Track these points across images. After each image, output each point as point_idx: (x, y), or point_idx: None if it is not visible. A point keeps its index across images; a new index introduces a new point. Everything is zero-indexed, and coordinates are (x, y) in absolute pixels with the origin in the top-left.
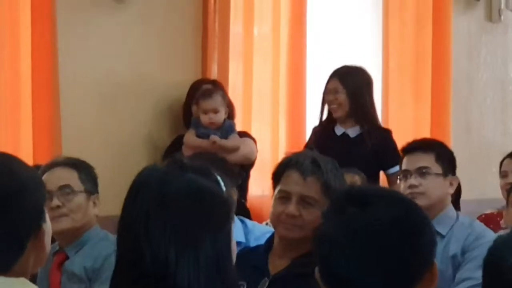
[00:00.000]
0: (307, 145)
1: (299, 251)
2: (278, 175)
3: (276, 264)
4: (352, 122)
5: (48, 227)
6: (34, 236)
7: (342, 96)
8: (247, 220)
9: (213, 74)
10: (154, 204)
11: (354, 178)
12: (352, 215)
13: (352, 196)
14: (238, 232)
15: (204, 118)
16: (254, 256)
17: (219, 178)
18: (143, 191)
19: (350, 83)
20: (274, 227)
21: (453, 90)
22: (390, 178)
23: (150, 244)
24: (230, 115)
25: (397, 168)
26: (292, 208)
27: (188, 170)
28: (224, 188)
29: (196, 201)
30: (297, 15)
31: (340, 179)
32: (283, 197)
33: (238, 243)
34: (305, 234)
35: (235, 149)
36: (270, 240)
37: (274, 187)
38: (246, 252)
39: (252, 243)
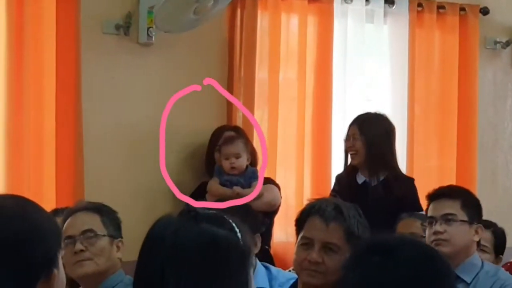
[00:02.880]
0: (332, 193)
1: None
2: (301, 222)
3: None
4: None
5: (61, 273)
6: (45, 281)
7: (359, 144)
8: (271, 267)
9: (239, 120)
10: (168, 257)
11: (416, 223)
12: (375, 264)
13: (375, 246)
14: (262, 278)
15: (226, 164)
16: None
17: (234, 225)
18: (157, 245)
19: (368, 131)
20: (297, 274)
21: (478, 138)
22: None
23: None
24: (253, 162)
25: None
26: (314, 255)
27: (202, 220)
28: (239, 235)
29: (210, 252)
30: (323, 61)
31: (363, 225)
32: (306, 244)
33: None
34: (327, 281)
35: (257, 198)
36: (294, 286)
37: (298, 233)
38: None
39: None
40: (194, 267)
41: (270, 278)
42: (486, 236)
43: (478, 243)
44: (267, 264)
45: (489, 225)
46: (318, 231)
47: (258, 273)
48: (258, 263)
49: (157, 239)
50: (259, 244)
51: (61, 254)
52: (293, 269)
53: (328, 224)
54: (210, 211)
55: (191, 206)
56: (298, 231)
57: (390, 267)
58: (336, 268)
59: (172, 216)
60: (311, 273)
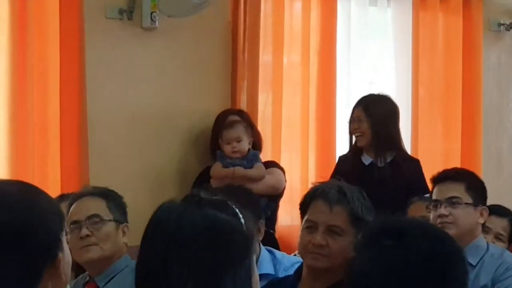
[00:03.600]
0: (333, 175)
1: (327, 281)
2: (305, 205)
3: None
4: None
5: (67, 256)
6: (51, 265)
7: (365, 125)
8: (276, 251)
9: (243, 103)
10: (172, 243)
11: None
12: (387, 248)
13: (386, 229)
14: (267, 263)
15: (227, 148)
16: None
17: (237, 211)
18: (160, 230)
19: (373, 112)
20: (302, 257)
21: (483, 120)
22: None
23: (169, 285)
24: (257, 145)
25: None
26: (318, 237)
27: (205, 205)
28: (243, 221)
29: (213, 238)
30: (326, 44)
31: (367, 208)
32: (310, 227)
33: (267, 275)
34: (332, 264)
35: (259, 178)
36: (299, 270)
37: (302, 217)
38: (275, 283)
39: (281, 274)
40: (198, 252)
41: (275, 262)
42: (502, 225)
43: (485, 225)
44: (271, 249)
45: (505, 213)
46: (322, 214)
47: (263, 259)
48: (263, 248)
49: (161, 224)
50: (262, 230)
51: (65, 237)
52: (298, 253)
53: (332, 207)
54: (214, 197)
55: (195, 191)
56: (302, 214)
57: (402, 250)
58: (341, 251)
59: (176, 202)
60: (316, 256)
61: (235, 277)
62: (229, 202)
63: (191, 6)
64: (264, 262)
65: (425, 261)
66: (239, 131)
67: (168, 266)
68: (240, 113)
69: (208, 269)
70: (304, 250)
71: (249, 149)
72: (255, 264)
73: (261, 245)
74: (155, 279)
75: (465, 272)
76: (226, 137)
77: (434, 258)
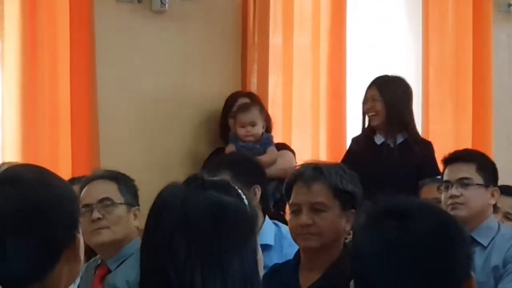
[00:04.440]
0: (346, 156)
1: (326, 260)
2: (288, 192)
3: (307, 278)
4: (391, 131)
5: (81, 238)
6: (69, 246)
7: (379, 105)
8: (282, 225)
9: (253, 86)
10: (177, 225)
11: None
12: (390, 228)
13: (390, 210)
14: (269, 235)
15: (242, 131)
16: (284, 273)
17: (240, 191)
18: (166, 213)
19: (387, 92)
20: (295, 241)
21: (494, 101)
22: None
23: (175, 268)
24: (268, 128)
25: None
26: (304, 218)
27: (209, 187)
28: (246, 202)
29: (219, 219)
30: (336, 25)
31: (347, 179)
32: (295, 211)
33: (266, 245)
34: (324, 241)
35: (271, 163)
36: (298, 254)
37: (288, 200)
38: (276, 269)
39: (286, 248)
40: (204, 234)
41: (280, 236)
42: (511, 204)
43: (495, 206)
44: (278, 223)
45: None
46: (302, 195)
47: (265, 229)
48: (267, 219)
49: (165, 207)
50: (258, 194)
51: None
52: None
53: (309, 186)
54: (217, 179)
55: (198, 173)
56: (287, 199)
57: (405, 231)
58: (329, 226)
59: (179, 184)
60: (306, 236)
61: (242, 257)
62: (232, 184)
63: None
64: (266, 232)
65: (428, 243)
66: (254, 115)
67: (174, 251)
68: (250, 95)
69: (215, 250)
70: (294, 234)
71: (262, 133)
72: (259, 244)
73: (265, 215)
74: (161, 265)
75: (469, 254)
76: (241, 121)
77: (437, 239)
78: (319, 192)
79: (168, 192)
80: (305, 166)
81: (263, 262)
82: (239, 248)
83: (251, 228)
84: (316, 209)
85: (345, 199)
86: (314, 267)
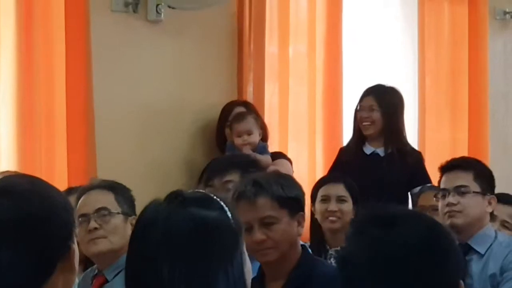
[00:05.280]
0: (334, 165)
1: (287, 266)
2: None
3: (274, 287)
4: (382, 141)
5: (77, 248)
6: (64, 257)
7: (377, 114)
8: None
9: (249, 95)
10: (161, 244)
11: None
12: (376, 236)
13: (376, 218)
14: None
15: (238, 141)
16: None
17: (222, 204)
18: (148, 232)
19: (385, 102)
20: (256, 258)
21: (490, 108)
22: (413, 197)
23: (161, 286)
24: (264, 136)
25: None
26: (257, 235)
27: (190, 204)
28: (229, 214)
29: (202, 236)
30: (332, 34)
31: (288, 185)
32: (247, 229)
33: None
34: (282, 251)
35: (266, 166)
36: (261, 268)
37: None
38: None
39: None
40: (187, 252)
41: None
42: (508, 212)
43: (492, 214)
44: None
45: (511, 200)
46: (248, 213)
47: None
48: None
49: (148, 226)
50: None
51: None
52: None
53: (253, 202)
54: (198, 193)
55: (178, 190)
56: None
57: (392, 239)
58: (283, 236)
59: (161, 202)
60: (263, 252)
61: (227, 272)
62: (213, 197)
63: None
64: None
65: (414, 250)
66: (250, 123)
67: (159, 269)
68: (246, 104)
69: (199, 268)
70: (251, 251)
71: (259, 141)
72: (246, 254)
73: None
74: (146, 282)
75: (457, 262)
76: (237, 130)
77: (424, 247)
78: (265, 206)
79: (150, 209)
80: (244, 182)
81: (251, 272)
82: (224, 263)
83: (235, 241)
84: (266, 223)
85: (292, 205)
86: (278, 275)
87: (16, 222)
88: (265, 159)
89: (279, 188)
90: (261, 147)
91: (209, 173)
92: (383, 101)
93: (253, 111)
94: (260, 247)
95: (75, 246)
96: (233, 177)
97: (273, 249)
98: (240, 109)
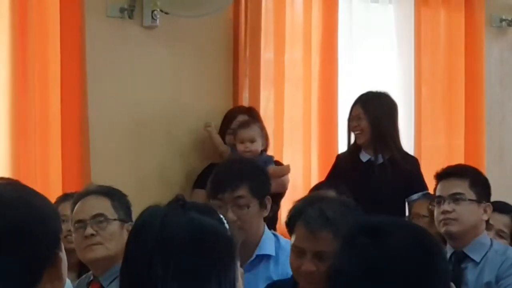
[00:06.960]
0: (331, 173)
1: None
2: (290, 226)
3: None
4: (376, 148)
5: (64, 256)
6: (51, 265)
7: (364, 123)
8: (281, 237)
9: (244, 101)
10: (156, 246)
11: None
12: (365, 246)
13: (363, 228)
14: (269, 244)
15: (240, 147)
16: None
17: (221, 216)
18: (145, 234)
19: (371, 110)
20: (296, 277)
21: (486, 116)
22: (410, 205)
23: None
24: (265, 147)
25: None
26: (307, 265)
27: (190, 209)
28: (227, 226)
29: (198, 241)
30: (328, 41)
31: (349, 214)
32: (298, 252)
33: (268, 255)
34: (325, 283)
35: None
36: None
37: (290, 234)
38: (275, 284)
39: (284, 260)
40: (182, 256)
41: (278, 247)
42: (504, 221)
43: (487, 222)
44: (276, 233)
45: (507, 209)
46: (306, 241)
47: (266, 238)
48: (266, 229)
49: (145, 228)
50: (268, 207)
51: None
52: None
53: (315, 234)
54: (200, 203)
55: (179, 195)
56: (289, 233)
57: (379, 248)
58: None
59: (160, 205)
60: (308, 280)
61: (219, 282)
62: (213, 208)
63: (193, 4)
64: (267, 242)
65: (402, 259)
66: (255, 131)
67: (153, 269)
68: (250, 111)
69: (193, 273)
70: (296, 273)
71: (262, 151)
72: (239, 270)
73: (264, 224)
74: (140, 282)
75: (445, 269)
76: (241, 136)
77: (412, 255)
78: (324, 241)
79: (148, 212)
80: (309, 206)
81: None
82: (217, 273)
83: (231, 255)
84: (320, 256)
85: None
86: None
87: (2, 231)
88: (280, 169)
89: (344, 226)
90: (267, 157)
91: (217, 186)
92: (369, 109)
93: (257, 118)
94: (307, 275)
95: (62, 254)
96: (243, 192)
97: (319, 280)
98: (244, 117)
